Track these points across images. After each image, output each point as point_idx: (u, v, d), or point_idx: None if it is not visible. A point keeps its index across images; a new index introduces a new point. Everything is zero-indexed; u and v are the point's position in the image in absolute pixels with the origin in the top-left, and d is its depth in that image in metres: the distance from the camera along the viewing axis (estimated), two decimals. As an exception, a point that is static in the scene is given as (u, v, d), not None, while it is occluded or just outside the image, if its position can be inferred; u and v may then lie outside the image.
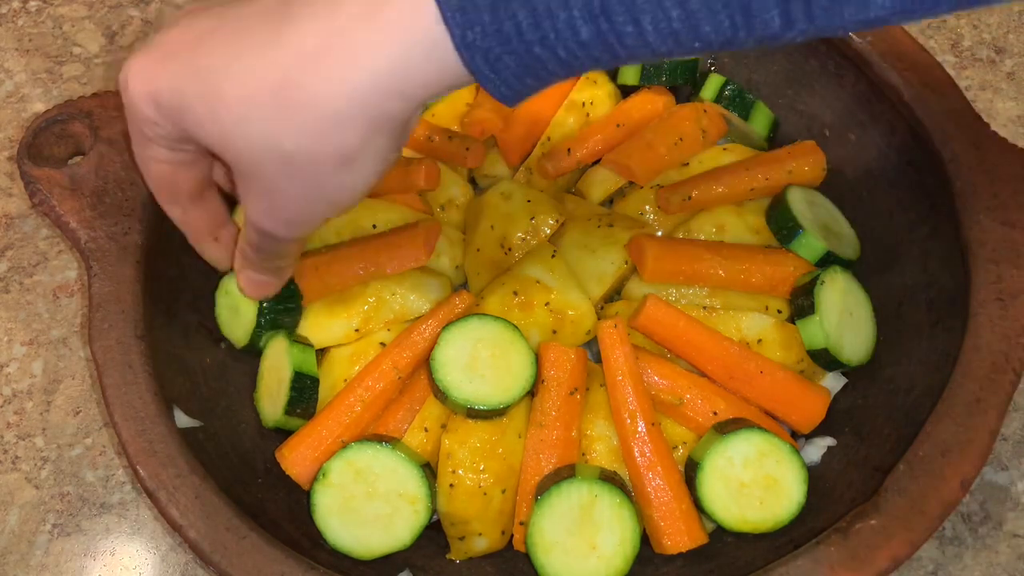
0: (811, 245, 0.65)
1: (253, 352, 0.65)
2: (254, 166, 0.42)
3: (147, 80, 0.43)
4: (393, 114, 0.40)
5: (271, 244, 0.50)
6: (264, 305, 0.63)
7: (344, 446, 0.59)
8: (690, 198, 0.68)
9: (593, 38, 0.36)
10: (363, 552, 0.58)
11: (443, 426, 0.62)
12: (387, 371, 0.62)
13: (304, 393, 0.62)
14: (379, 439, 0.59)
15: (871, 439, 0.60)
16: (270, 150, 0.41)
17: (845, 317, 0.63)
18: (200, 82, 0.41)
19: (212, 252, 0.57)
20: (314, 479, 0.58)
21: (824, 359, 0.63)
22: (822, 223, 0.68)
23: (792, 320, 0.65)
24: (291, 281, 0.66)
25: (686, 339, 0.63)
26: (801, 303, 0.63)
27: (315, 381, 0.63)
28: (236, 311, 0.65)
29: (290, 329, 0.65)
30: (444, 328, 0.60)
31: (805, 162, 0.70)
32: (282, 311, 0.64)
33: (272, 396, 0.64)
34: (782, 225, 0.67)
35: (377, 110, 0.39)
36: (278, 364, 0.63)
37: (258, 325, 0.64)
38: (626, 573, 0.57)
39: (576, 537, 0.57)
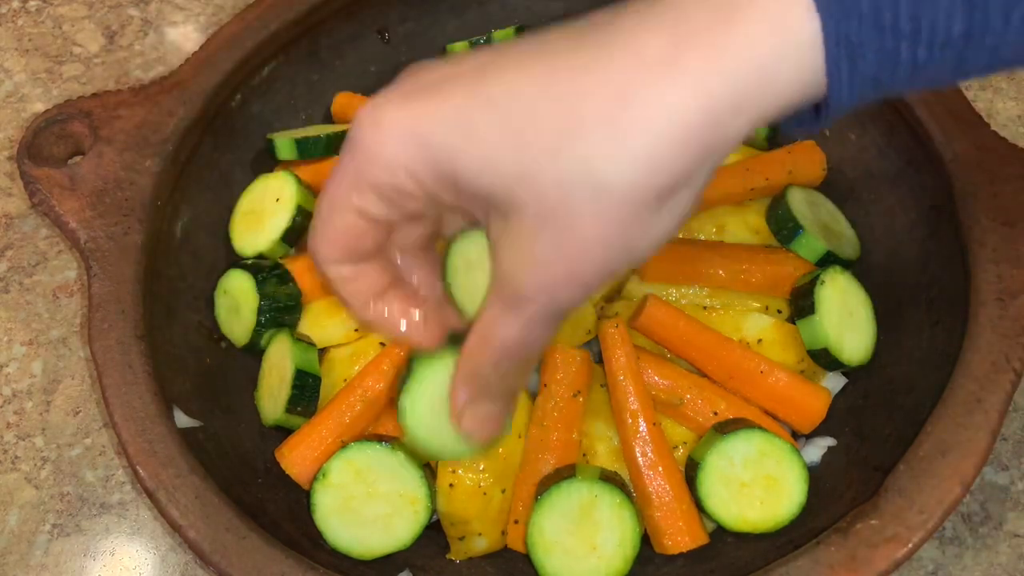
0: (811, 245, 0.65)
1: (253, 352, 0.65)
2: (558, 208, 0.34)
3: (412, 117, 0.36)
4: (730, 137, 0.34)
5: (538, 330, 0.38)
6: (263, 304, 0.63)
7: (344, 446, 0.59)
8: None
9: (962, 34, 0.32)
10: (363, 552, 0.58)
11: (443, 426, 0.62)
12: (387, 371, 0.62)
13: (305, 392, 0.62)
14: (379, 439, 0.59)
15: (871, 439, 0.60)
16: (582, 183, 0.33)
17: (845, 317, 0.63)
18: (498, 110, 0.34)
19: (380, 317, 0.43)
20: (314, 479, 0.58)
21: (824, 359, 0.63)
22: (822, 223, 0.68)
23: (792, 320, 0.65)
24: (291, 279, 0.66)
25: (686, 339, 0.63)
26: (801, 303, 0.63)
27: (317, 380, 0.63)
28: (236, 311, 0.65)
29: (291, 328, 0.65)
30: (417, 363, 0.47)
31: (805, 162, 0.70)
32: (282, 310, 0.64)
33: (273, 394, 0.64)
34: (782, 225, 0.67)
35: (720, 130, 0.33)
36: (280, 362, 0.63)
37: (258, 324, 0.64)
38: (626, 573, 0.57)
39: (576, 537, 0.57)
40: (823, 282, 0.63)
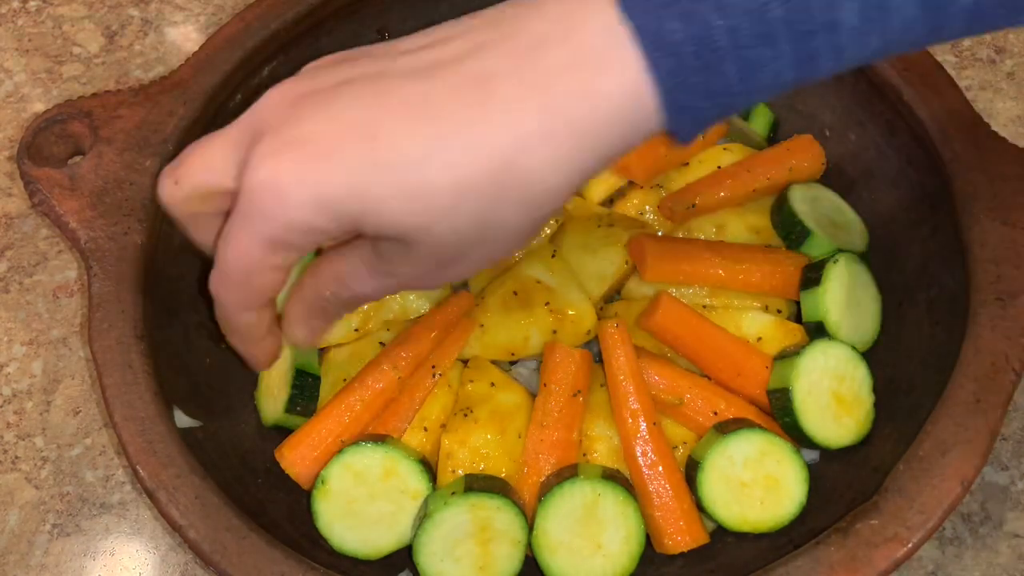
0: (821, 246, 0.65)
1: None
2: (449, 246, 0.40)
3: (313, 185, 0.39)
4: (590, 175, 0.40)
5: (387, 294, 0.46)
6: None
7: (340, 450, 0.59)
8: (694, 206, 0.68)
9: (795, 81, 0.38)
10: (371, 552, 0.58)
11: (443, 426, 0.62)
12: (387, 371, 0.62)
13: (305, 391, 0.62)
14: (374, 439, 0.59)
15: (871, 439, 0.60)
16: (476, 230, 0.40)
17: (852, 303, 0.63)
18: (395, 179, 0.38)
19: (264, 350, 0.50)
20: (312, 487, 0.58)
21: (819, 336, 0.62)
22: (828, 218, 0.68)
23: (792, 320, 0.65)
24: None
25: (698, 336, 0.63)
26: (809, 275, 0.63)
27: (316, 379, 0.63)
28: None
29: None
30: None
31: (804, 157, 0.70)
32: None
33: (273, 394, 0.64)
34: (789, 230, 0.67)
35: (585, 176, 0.40)
36: (280, 362, 0.63)
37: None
38: (632, 571, 0.57)
39: (581, 537, 0.57)
40: (836, 260, 0.63)
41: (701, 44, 0.36)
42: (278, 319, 0.49)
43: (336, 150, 0.39)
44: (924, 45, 0.39)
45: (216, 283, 0.44)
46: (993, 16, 0.37)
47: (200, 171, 0.44)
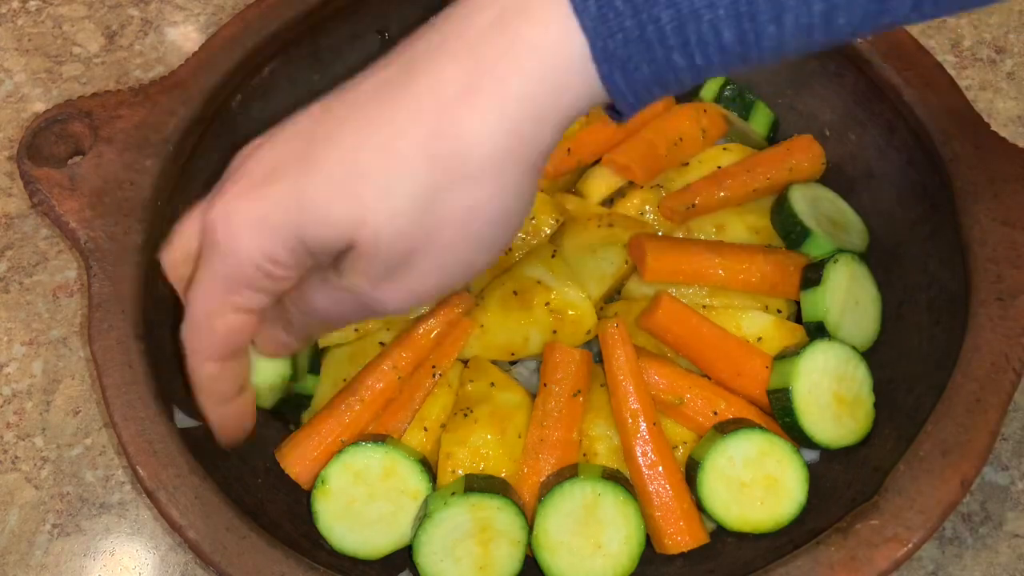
0: (821, 246, 0.65)
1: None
2: (393, 240, 0.38)
3: (253, 207, 0.39)
4: (543, 145, 0.38)
5: (358, 317, 0.45)
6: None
7: (340, 450, 0.59)
8: (694, 206, 0.68)
9: (734, 41, 0.35)
10: (370, 552, 0.58)
11: (443, 426, 0.62)
12: (387, 371, 0.62)
13: (306, 352, 0.62)
14: (373, 439, 0.59)
15: (871, 439, 0.60)
16: (418, 217, 0.38)
17: (850, 303, 0.63)
18: (326, 175, 0.38)
19: (232, 413, 0.49)
20: (312, 487, 0.58)
21: (819, 336, 0.62)
22: (828, 219, 0.68)
23: (792, 320, 0.65)
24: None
25: (698, 336, 0.63)
26: (809, 275, 0.64)
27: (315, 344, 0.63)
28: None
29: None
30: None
31: (804, 157, 0.70)
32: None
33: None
34: (789, 230, 0.67)
35: (525, 141, 0.37)
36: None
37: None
38: (632, 571, 0.57)
39: (581, 537, 0.57)
40: (837, 260, 0.63)
41: None
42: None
43: (274, 175, 0.40)
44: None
45: (184, 330, 0.45)
46: None
47: (178, 237, 0.46)
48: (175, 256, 0.46)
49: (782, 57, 0.37)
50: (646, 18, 0.35)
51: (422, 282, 0.41)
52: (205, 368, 0.46)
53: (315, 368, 0.64)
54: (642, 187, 0.71)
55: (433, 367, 0.63)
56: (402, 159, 0.37)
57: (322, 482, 0.58)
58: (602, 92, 0.37)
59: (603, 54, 0.36)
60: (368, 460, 0.58)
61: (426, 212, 0.38)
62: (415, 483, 0.58)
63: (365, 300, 0.42)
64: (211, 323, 0.43)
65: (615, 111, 0.40)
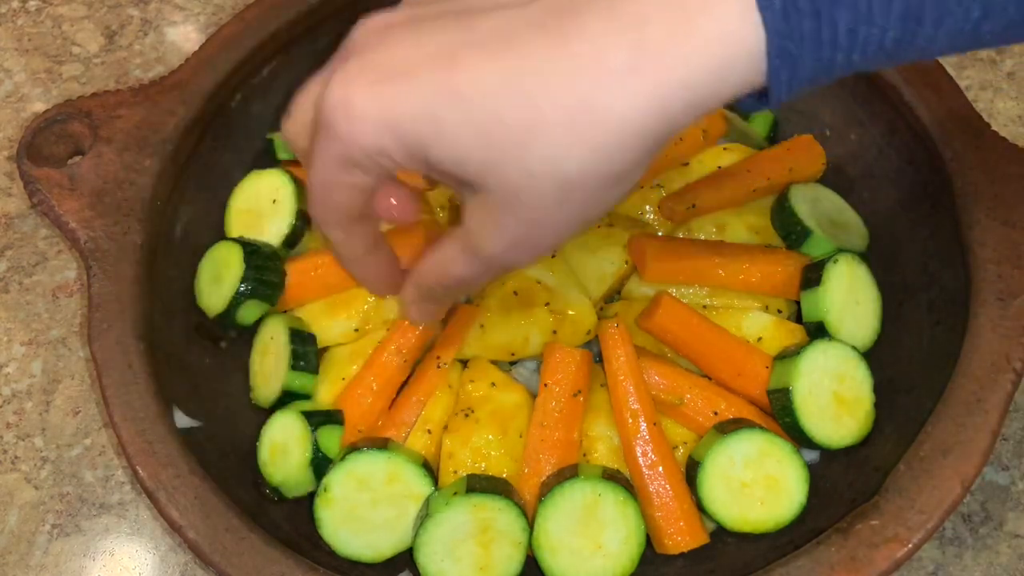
0: (822, 246, 0.65)
1: (225, 324, 0.64)
2: (524, 193, 0.38)
3: (383, 107, 0.38)
4: (679, 128, 0.37)
5: (487, 276, 0.45)
6: (248, 273, 0.63)
7: (343, 456, 0.59)
8: (694, 206, 0.68)
9: (894, 43, 0.35)
10: (374, 556, 0.58)
11: (445, 427, 0.62)
12: (392, 358, 0.62)
13: (305, 344, 0.62)
14: (374, 445, 0.59)
15: (871, 439, 0.60)
16: (550, 176, 0.37)
17: (850, 303, 0.63)
18: (467, 108, 0.37)
19: (370, 271, 0.50)
20: (315, 495, 0.58)
21: (820, 336, 0.62)
22: (828, 219, 0.68)
23: (792, 320, 0.65)
24: (279, 259, 0.65)
25: (698, 336, 0.63)
26: (809, 276, 0.63)
27: (312, 336, 0.63)
28: (218, 280, 0.64)
29: (271, 302, 0.65)
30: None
31: (804, 157, 0.70)
32: (265, 283, 0.63)
33: (271, 371, 0.63)
34: (789, 230, 0.67)
35: (671, 124, 0.37)
36: (271, 340, 0.64)
37: (237, 293, 0.63)
38: (632, 571, 0.57)
39: (581, 537, 0.57)
40: (836, 260, 0.63)
41: None
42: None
43: (412, 75, 0.38)
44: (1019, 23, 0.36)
45: (307, 200, 0.46)
46: None
47: (297, 109, 0.45)
48: (295, 128, 0.46)
49: (909, 61, 0.37)
50: (826, 19, 0.34)
51: (551, 239, 0.41)
52: (333, 234, 0.46)
53: (315, 368, 0.64)
54: (642, 187, 0.71)
55: (438, 357, 0.63)
56: (544, 121, 0.36)
57: (325, 489, 0.58)
58: (756, 84, 0.36)
59: (779, 52, 0.35)
60: (371, 466, 0.58)
61: (560, 175, 0.37)
62: (418, 486, 0.58)
63: (499, 261, 0.43)
64: (328, 195, 0.43)
65: (746, 101, 0.39)
